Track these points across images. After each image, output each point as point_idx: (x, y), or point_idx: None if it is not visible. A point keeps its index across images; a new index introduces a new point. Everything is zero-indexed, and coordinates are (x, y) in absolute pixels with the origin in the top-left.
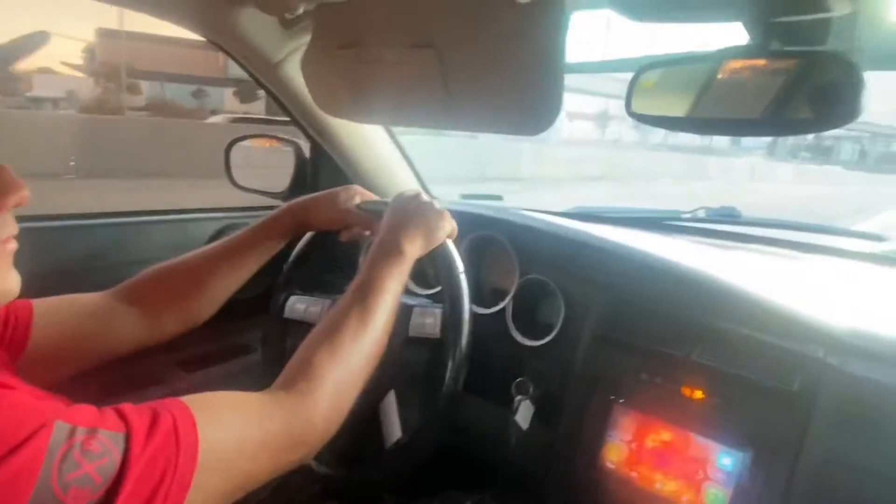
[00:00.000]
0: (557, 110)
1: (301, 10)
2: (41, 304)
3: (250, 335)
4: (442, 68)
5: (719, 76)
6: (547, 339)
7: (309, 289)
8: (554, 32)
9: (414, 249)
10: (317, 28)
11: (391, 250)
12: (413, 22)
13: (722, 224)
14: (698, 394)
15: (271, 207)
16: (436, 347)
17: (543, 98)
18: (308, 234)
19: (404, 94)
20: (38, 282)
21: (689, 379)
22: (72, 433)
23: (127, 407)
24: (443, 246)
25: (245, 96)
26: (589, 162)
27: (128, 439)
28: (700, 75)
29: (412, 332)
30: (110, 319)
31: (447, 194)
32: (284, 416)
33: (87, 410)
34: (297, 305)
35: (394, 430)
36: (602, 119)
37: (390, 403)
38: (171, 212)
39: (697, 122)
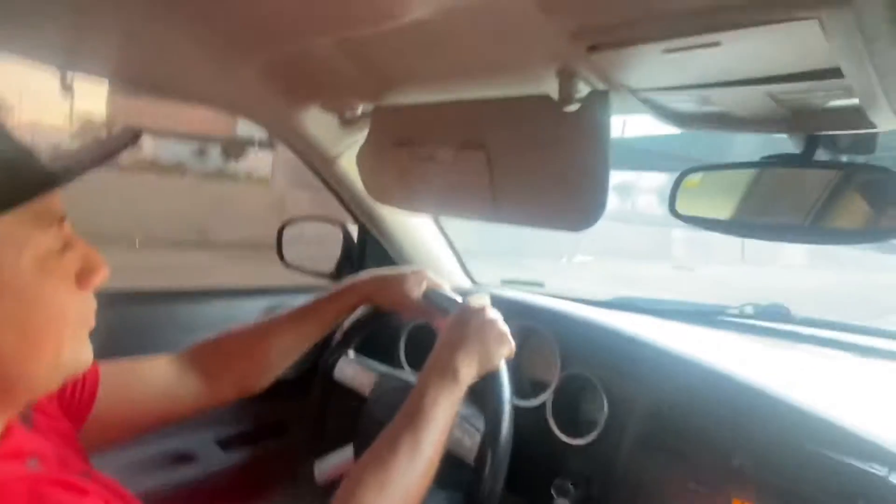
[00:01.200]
0: (602, 208)
1: (360, 111)
2: (107, 369)
3: (288, 415)
4: (490, 167)
5: (763, 182)
6: (589, 438)
7: (360, 354)
8: (599, 136)
9: (469, 374)
10: (373, 126)
11: (446, 372)
12: (465, 125)
13: (771, 322)
14: None
15: (316, 287)
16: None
17: (588, 196)
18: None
19: (453, 189)
20: (99, 350)
21: (742, 492)
22: None
23: None
24: (497, 370)
25: (231, 153)
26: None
27: None
28: (744, 179)
29: (449, 444)
30: (173, 385)
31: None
32: None
33: None
34: (348, 370)
35: None
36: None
37: None
38: (222, 288)
39: (741, 226)
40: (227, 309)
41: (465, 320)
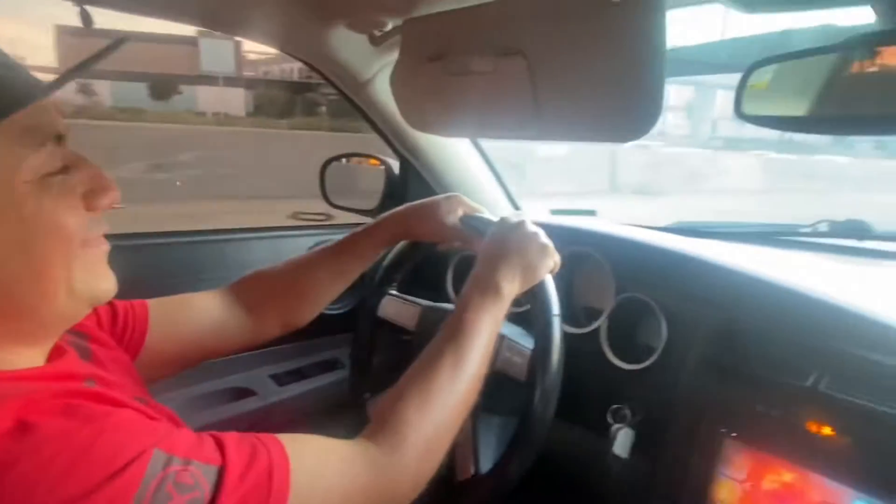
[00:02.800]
0: (656, 115)
1: (389, 27)
2: (157, 305)
3: (339, 351)
4: (532, 76)
5: (845, 68)
6: (647, 362)
7: (402, 292)
8: (652, 32)
9: (512, 288)
10: (405, 43)
11: (488, 288)
12: (501, 29)
13: (849, 239)
14: (826, 430)
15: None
16: (519, 385)
17: (641, 102)
18: (405, 241)
19: (493, 105)
20: (144, 292)
21: (815, 413)
22: (168, 463)
23: (227, 437)
24: (542, 283)
25: (157, 92)
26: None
27: (221, 473)
28: (821, 69)
29: (498, 365)
30: (220, 319)
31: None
32: (371, 471)
33: (186, 437)
34: (391, 306)
35: (466, 463)
36: None
37: (465, 434)
38: (267, 228)
39: (822, 122)
40: (274, 247)
41: (504, 235)
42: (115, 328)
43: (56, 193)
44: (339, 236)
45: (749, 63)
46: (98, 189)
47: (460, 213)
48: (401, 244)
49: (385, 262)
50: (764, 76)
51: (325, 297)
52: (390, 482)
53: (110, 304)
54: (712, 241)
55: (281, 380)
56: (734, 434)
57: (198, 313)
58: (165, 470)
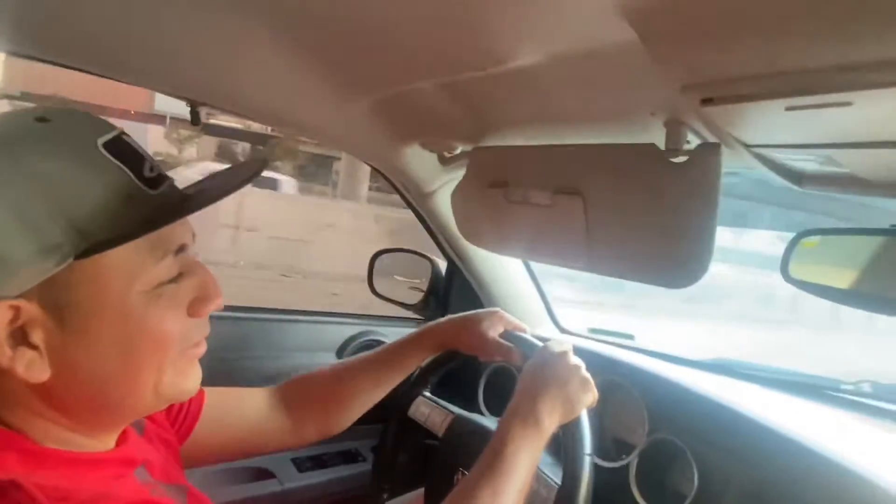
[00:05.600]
0: (706, 266)
1: (459, 150)
2: (216, 395)
3: (361, 443)
4: (587, 214)
5: (890, 251)
6: None
7: (436, 395)
8: (707, 190)
9: (552, 422)
10: (470, 166)
11: (528, 420)
12: (562, 170)
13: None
14: None
15: (401, 318)
16: None
17: (691, 253)
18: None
19: (546, 234)
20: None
21: None
22: None
23: None
24: (578, 419)
25: None
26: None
27: None
28: (867, 247)
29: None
30: (263, 419)
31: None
32: None
33: None
34: (422, 408)
35: None
36: None
37: None
38: (310, 312)
39: (861, 297)
40: (312, 332)
41: (547, 365)
42: (171, 410)
43: (165, 303)
44: (376, 327)
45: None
46: (204, 297)
47: (500, 328)
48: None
49: (421, 367)
50: (812, 241)
51: (363, 406)
52: None
53: None
54: (749, 385)
55: (301, 465)
56: None
57: (246, 410)
58: None
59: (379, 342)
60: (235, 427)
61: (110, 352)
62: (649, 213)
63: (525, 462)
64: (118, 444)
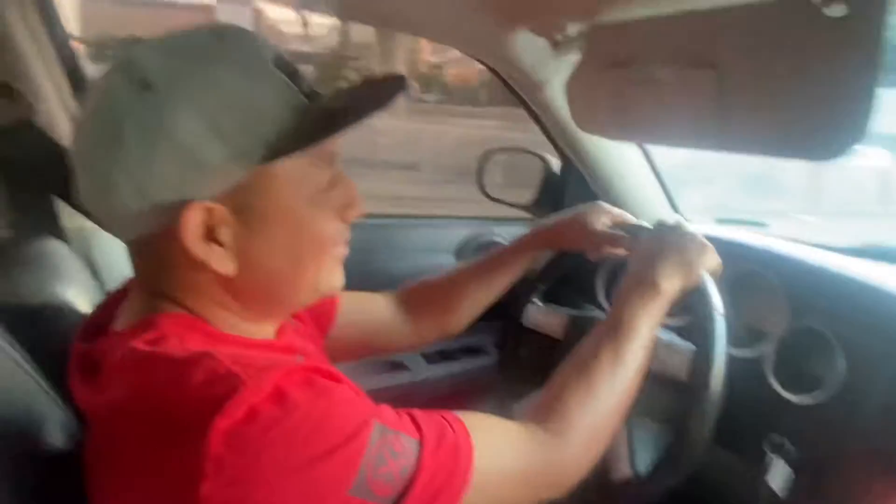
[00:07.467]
0: (861, 134)
1: (573, 32)
2: (347, 298)
3: (484, 337)
4: (721, 88)
5: None
6: (818, 397)
7: (547, 299)
8: (869, 44)
9: (671, 286)
10: (588, 48)
11: (646, 286)
12: (696, 41)
13: None
14: None
15: (513, 218)
16: (679, 389)
17: (844, 120)
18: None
19: (672, 113)
20: None
21: None
22: (384, 432)
23: (418, 414)
24: (702, 282)
25: None
26: None
27: (420, 447)
28: None
29: (654, 368)
30: (391, 322)
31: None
32: (541, 454)
33: (389, 411)
34: (536, 314)
35: (622, 465)
36: None
37: (621, 437)
38: (423, 217)
39: None
40: (430, 235)
41: (661, 236)
42: (313, 310)
43: (324, 209)
44: (490, 228)
45: None
46: (350, 203)
47: (606, 220)
48: (548, 256)
49: (531, 273)
50: None
51: (475, 309)
52: (557, 466)
53: None
54: None
55: (431, 358)
56: None
57: (374, 313)
58: (383, 438)
59: (494, 242)
60: (362, 328)
61: (282, 250)
62: (795, 78)
63: (646, 325)
64: (278, 335)
